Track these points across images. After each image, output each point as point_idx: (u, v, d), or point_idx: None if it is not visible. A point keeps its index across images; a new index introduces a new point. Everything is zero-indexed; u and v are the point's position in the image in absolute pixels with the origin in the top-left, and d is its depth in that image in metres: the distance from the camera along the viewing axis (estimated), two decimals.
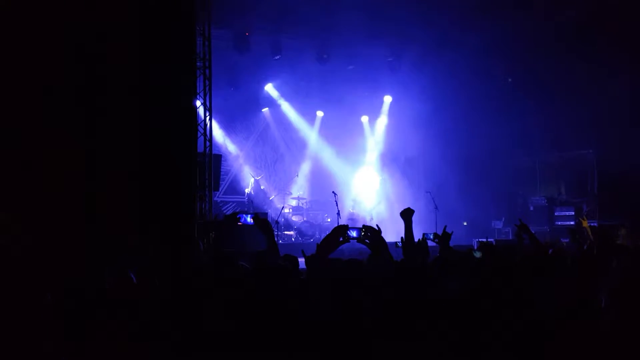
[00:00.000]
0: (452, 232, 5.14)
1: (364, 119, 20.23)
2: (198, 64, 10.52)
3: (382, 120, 20.03)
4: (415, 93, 17.93)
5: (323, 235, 15.79)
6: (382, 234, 4.08)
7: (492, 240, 13.85)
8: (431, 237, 5.82)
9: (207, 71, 10.87)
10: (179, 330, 3.34)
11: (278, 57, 16.56)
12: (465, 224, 16.65)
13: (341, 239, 3.84)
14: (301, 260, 3.98)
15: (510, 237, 14.57)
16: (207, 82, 10.89)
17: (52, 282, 4.01)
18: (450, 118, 17.25)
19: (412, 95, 18.12)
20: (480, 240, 13.74)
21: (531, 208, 15.10)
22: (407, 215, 4.54)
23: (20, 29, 7.83)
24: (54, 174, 7.87)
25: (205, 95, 10.89)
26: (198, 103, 10.66)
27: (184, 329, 3.33)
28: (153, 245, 7.87)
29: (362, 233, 3.97)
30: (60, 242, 7.43)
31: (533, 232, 5.99)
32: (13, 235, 7.07)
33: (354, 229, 3.97)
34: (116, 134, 8.44)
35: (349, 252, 5.97)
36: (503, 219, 15.95)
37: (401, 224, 4.58)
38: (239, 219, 8.25)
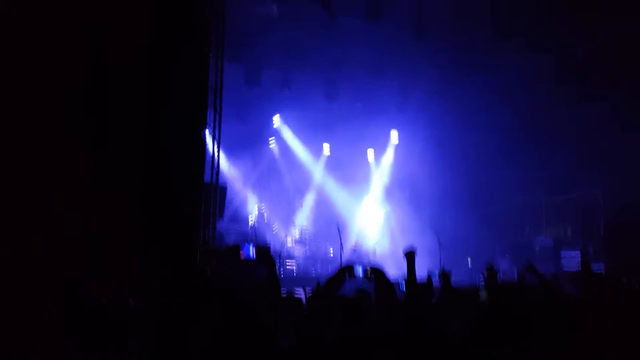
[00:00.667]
0: (451, 271, 5.11)
1: (370, 152, 20.30)
2: (209, 95, 10.61)
3: (388, 154, 20.09)
4: (422, 129, 18.05)
5: (325, 269, 15.79)
6: (383, 270, 4.08)
7: None
8: (437, 275, 5.79)
9: (217, 103, 10.94)
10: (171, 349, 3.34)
11: (287, 91, 16.77)
12: (469, 260, 16.53)
13: (348, 277, 3.84)
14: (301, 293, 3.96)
15: (516, 277, 14.44)
16: (216, 115, 10.94)
17: (52, 297, 4.02)
18: (457, 154, 17.30)
19: (418, 131, 18.23)
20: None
21: (537, 248, 14.99)
22: (410, 256, 4.53)
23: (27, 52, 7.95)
24: (59, 196, 7.93)
25: (214, 126, 10.93)
26: (207, 133, 10.73)
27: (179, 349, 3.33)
28: (154, 268, 7.88)
29: (368, 273, 3.96)
30: (62, 261, 7.45)
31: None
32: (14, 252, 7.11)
33: (359, 265, 3.96)
34: (122, 161, 8.51)
35: (354, 290, 5.92)
36: (508, 257, 15.85)
37: (402, 260, 4.56)
38: (240, 250, 8.21)
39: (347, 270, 3.85)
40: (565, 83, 14.44)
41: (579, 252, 14.20)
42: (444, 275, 4.74)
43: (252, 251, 8.94)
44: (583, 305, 4.60)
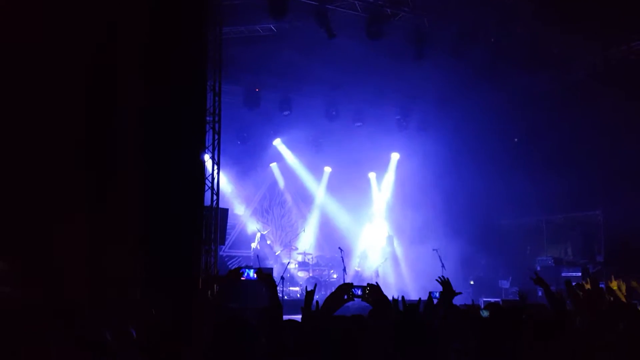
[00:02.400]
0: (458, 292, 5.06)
1: (372, 175, 20.32)
2: (207, 118, 10.65)
3: (390, 177, 20.11)
4: (423, 151, 18.11)
5: (328, 292, 15.67)
6: (385, 292, 4.05)
7: (498, 300, 13.66)
8: (437, 296, 5.74)
9: (216, 126, 10.98)
10: None
11: (287, 112, 16.86)
12: (472, 282, 16.44)
13: (346, 297, 3.80)
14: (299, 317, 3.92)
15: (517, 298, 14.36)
16: (216, 137, 10.98)
17: (53, 328, 4.00)
18: (458, 176, 17.28)
19: (419, 153, 18.30)
20: (486, 299, 13.56)
21: (538, 268, 14.88)
22: (446, 284, 4.50)
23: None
24: (61, 224, 7.94)
25: (214, 149, 10.96)
26: (207, 157, 10.75)
27: None
28: (156, 297, 7.84)
29: (367, 291, 3.94)
30: (62, 290, 7.43)
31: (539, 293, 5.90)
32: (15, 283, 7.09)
33: (358, 287, 3.96)
34: (120, 187, 8.51)
35: (353, 309, 5.89)
36: (510, 278, 15.75)
37: (404, 282, 4.56)
38: (242, 274, 8.21)
39: (345, 288, 3.82)
40: (565, 102, 14.49)
41: (580, 272, 14.13)
42: (447, 291, 4.68)
43: (252, 274, 8.96)
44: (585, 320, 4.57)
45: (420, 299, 4.76)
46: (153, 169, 8.76)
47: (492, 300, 13.34)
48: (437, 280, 4.54)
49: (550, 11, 12.20)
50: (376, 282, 4.06)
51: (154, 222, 8.69)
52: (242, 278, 8.94)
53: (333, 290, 3.92)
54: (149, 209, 8.62)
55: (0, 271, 7.20)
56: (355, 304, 4.52)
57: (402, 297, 4.07)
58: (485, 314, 4.92)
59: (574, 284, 5.70)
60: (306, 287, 4.33)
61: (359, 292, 3.99)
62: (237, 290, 10.32)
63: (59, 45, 8.00)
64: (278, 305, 4.20)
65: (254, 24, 13.56)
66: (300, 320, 3.81)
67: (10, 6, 7.96)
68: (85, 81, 8.29)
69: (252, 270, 8.78)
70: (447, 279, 4.58)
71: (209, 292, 9.97)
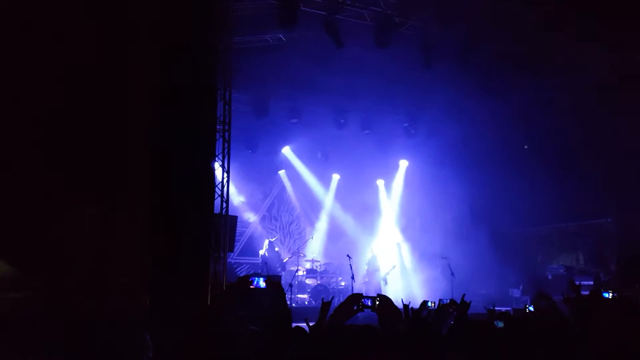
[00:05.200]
0: (470, 302, 5.05)
1: (380, 182, 20.31)
2: (217, 127, 10.70)
3: (398, 184, 20.10)
4: (432, 158, 18.10)
5: (337, 300, 15.62)
6: (393, 299, 4.05)
7: (509, 309, 13.59)
8: (447, 302, 5.71)
9: (226, 134, 11.03)
10: None
11: (295, 121, 16.92)
12: (483, 292, 16.38)
13: (355, 308, 3.80)
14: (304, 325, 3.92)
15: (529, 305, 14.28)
16: (225, 145, 11.04)
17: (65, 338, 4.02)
18: (467, 183, 17.25)
19: (428, 160, 18.29)
20: (497, 309, 13.49)
21: (549, 276, 14.82)
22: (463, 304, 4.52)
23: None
24: (69, 232, 7.97)
25: (223, 157, 11.01)
26: (216, 165, 10.79)
27: None
28: (165, 305, 7.85)
29: (377, 302, 3.93)
30: (70, 298, 7.46)
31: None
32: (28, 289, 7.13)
33: (368, 298, 3.95)
34: (133, 194, 8.54)
35: (363, 319, 5.86)
36: (521, 287, 15.66)
37: (412, 290, 4.55)
38: (251, 282, 8.20)
39: (355, 298, 3.82)
40: (575, 109, 14.44)
41: (592, 280, 14.03)
42: (463, 304, 4.66)
43: (261, 282, 8.94)
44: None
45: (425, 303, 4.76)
46: (163, 177, 8.79)
47: (503, 309, 13.29)
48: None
49: (559, 18, 12.18)
50: (384, 290, 4.06)
51: (164, 230, 8.71)
52: (251, 286, 8.92)
53: (342, 300, 3.92)
54: (160, 217, 8.64)
55: (13, 277, 7.23)
56: (364, 314, 4.50)
57: (412, 308, 4.07)
58: (500, 324, 4.88)
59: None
60: (322, 297, 4.34)
61: (369, 302, 3.98)
62: (246, 298, 10.31)
63: (74, 54, 8.06)
64: (286, 313, 4.22)
65: (263, 33, 13.63)
66: (308, 329, 3.81)
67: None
68: (95, 91, 8.34)
69: (261, 278, 8.77)
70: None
71: (218, 300, 9.96)
